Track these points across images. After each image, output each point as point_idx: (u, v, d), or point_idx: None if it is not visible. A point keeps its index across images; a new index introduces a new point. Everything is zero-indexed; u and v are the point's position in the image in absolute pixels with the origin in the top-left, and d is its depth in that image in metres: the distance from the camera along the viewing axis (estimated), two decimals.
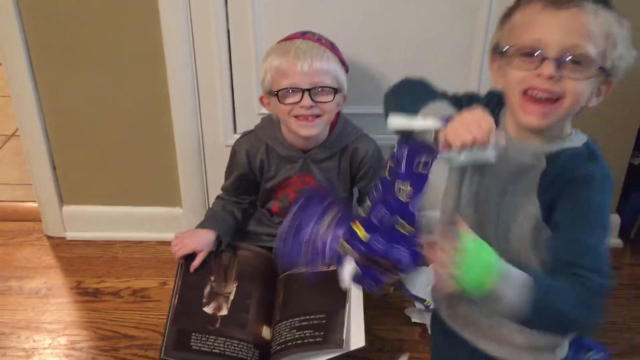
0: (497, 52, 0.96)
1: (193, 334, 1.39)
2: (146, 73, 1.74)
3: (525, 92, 0.91)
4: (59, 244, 1.95)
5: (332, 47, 1.48)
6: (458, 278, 0.83)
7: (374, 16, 1.64)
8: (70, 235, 1.97)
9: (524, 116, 0.92)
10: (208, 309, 1.44)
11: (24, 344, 1.59)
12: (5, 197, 2.15)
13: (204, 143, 1.84)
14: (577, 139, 0.97)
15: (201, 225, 1.56)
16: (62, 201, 1.95)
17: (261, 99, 1.52)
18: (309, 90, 1.40)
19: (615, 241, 1.96)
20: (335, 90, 1.43)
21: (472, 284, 0.84)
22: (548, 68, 0.87)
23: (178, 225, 1.90)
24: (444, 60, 1.71)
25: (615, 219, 1.95)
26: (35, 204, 2.00)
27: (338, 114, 1.54)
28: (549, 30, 0.89)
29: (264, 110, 1.60)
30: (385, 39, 1.67)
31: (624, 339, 1.63)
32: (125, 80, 1.75)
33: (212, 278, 1.50)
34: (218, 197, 1.66)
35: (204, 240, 1.51)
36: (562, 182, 0.92)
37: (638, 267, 1.90)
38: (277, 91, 1.42)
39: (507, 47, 0.93)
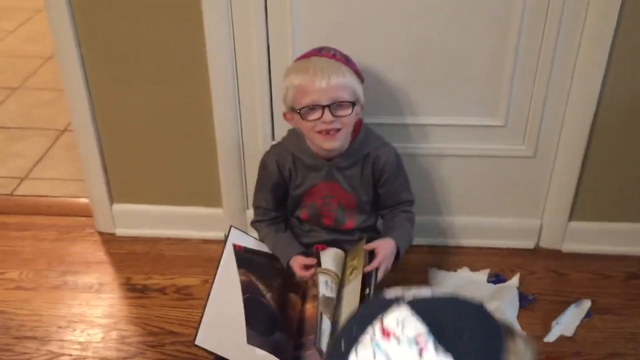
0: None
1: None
2: (191, 83, 1.84)
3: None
4: (109, 240, 2.09)
5: (347, 61, 1.55)
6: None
7: (404, 31, 1.71)
8: (119, 231, 2.11)
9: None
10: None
11: (79, 338, 1.73)
12: (60, 192, 2.30)
13: (244, 149, 1.94)
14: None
15: (285, 256, 1.64)
16: (112, 199, 2.08)
17: (285, 115, 1.60)
18: (328, 106, 1.47)
19: None
20: (353, 104, 1.51)
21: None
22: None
23: (219, 224, 2.01)
24: (471, 75, 1.76)
25: None
26: (87, 200, 2.14)
27: (360, 122, 1.62)
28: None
29: None
30: (414, 54, 1.74)
31: None
32: (171, 89, 1.85)
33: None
34: (259, 222, 1.72)
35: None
36: None
37: None
38: (300, 109, 1.50)
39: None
